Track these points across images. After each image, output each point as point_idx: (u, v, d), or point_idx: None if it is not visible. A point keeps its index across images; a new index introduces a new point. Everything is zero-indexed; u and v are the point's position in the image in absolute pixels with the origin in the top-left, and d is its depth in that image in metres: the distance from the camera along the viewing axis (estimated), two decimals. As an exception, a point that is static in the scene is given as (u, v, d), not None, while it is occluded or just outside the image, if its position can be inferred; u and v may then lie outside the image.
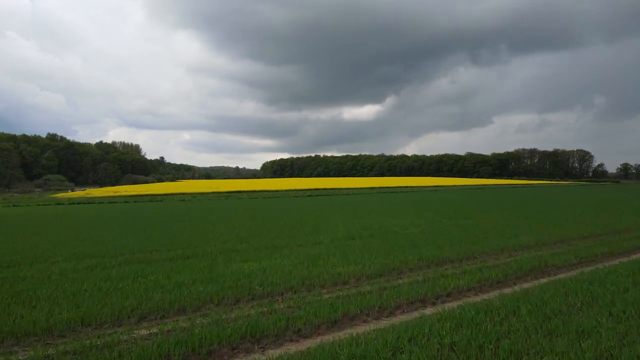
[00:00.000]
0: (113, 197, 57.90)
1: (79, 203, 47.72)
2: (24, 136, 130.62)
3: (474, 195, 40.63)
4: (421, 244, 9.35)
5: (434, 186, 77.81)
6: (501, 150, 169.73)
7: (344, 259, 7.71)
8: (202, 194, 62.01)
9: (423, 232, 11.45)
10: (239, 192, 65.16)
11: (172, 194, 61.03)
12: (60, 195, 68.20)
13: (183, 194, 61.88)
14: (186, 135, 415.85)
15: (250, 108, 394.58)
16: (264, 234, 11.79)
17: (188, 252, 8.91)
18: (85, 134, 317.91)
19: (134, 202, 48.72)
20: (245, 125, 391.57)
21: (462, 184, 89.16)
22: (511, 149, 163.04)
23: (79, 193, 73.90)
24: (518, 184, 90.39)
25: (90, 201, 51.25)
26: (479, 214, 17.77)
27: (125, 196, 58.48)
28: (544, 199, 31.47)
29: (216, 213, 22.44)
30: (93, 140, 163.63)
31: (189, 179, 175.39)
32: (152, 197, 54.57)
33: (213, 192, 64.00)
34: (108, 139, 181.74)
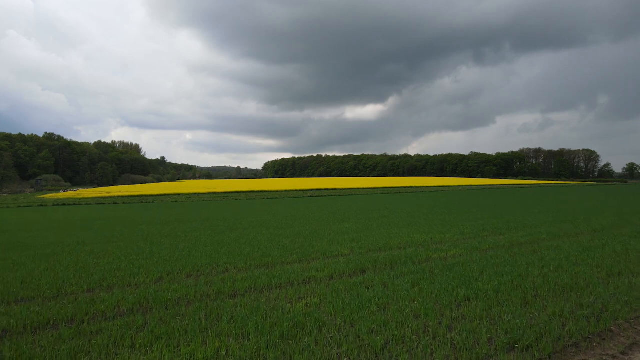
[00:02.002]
0: (103, 197, 54.54)
1: (63, 204, 44.10)
2: (20, 135, 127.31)
3: (488, 196, 36.49)
4: (487, 290, 5.32)
5: (439, 186, 73.96)
6: (504, 149, 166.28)
7: (352, 339, 3.85)
8: (198, 194, 58.36)
9: (470, 258, 7.51)
10: (237, 192, 61.59)
11: (166, 195, 57.47)
12: (49, 195, 64.83)
13: (178, 194, 58.31)
14: (188, 136, 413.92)
15: (253, 108, 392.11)
16: (226, 261, 7.87)
17: (37, 314, 4.95)
18: (88, 134, 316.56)
19: (123, 203, 45.07)
20: (247, 125, 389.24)
21: (468, 184, 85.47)
22: (514, 149, 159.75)
23: (69, 193, 70.60)
24: (525, 184, 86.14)
25: (77, 202, 47.73)
26: (523, 221, 13.79)
27: (117, 197, 55.03)
28: (582, 201, 27.30)
29: (192, 221, 18.62)
30: (94, 141, 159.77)
31: (190, 179, 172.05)
32: (145, 198, 50.95)
33: (210, 193, 60.37)
34: (110, 140, 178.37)
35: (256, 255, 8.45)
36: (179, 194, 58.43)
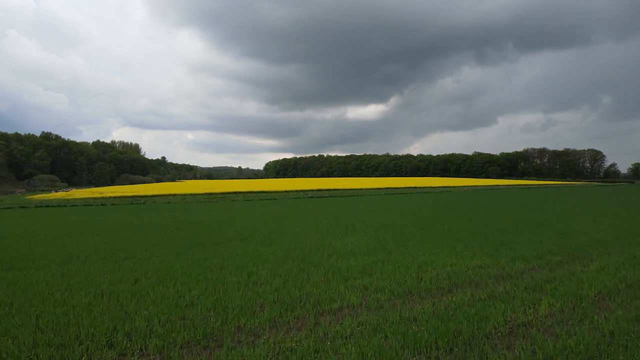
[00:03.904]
0: (94, 198, 51.16)
1: (47, 206, 40.75)
2: (17, 134, 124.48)
3: (500, 198, 32.81)
4: None
5: (443, 187, 70.22)
6: (506, 149, 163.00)
7: None
8: (194, 195, 54.90)
9: (597, 330, 3.92)
10: (235, 193, 58.09)
11: (160, 196, 53.99)
12: (38, 196, 61.63)
13: (173, 195, 54.80)
14: (189, 136, 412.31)
15: (253, 108, 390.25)
16: (138, 324, 4.43)
17: None
18: (90, 135, 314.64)
19: (112, 205, 41.61)
20: (248, 125, 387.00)
21: (473, 184, 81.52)
22: (516, 149, 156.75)
23: (60, 194, 67.41)
24: (532, 185, 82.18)
25: (63, 204, 44.34)
26: (586, 236, 10.28)
27: (107, 198, 51.65)
28: (610, 204, 23.58)
29: (164, 228, 15.21)
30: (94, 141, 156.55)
31: (190, 179, 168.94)
32: (137, 199, 47.53)
33: (207, 194, 56.88)
34: (112, 140, 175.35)
35: (203, 305, 4.98)
36: (174, 195, 54.95)
